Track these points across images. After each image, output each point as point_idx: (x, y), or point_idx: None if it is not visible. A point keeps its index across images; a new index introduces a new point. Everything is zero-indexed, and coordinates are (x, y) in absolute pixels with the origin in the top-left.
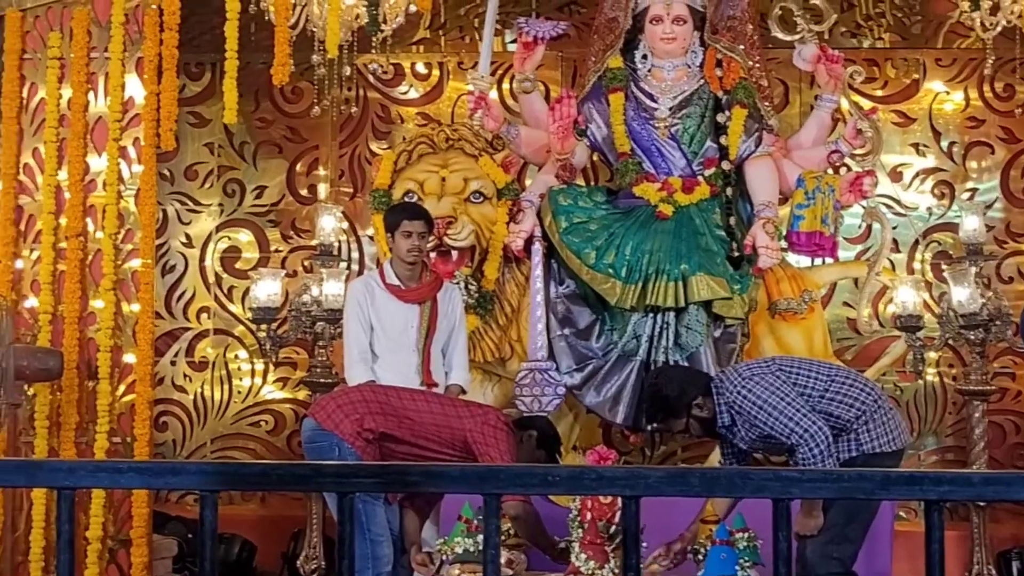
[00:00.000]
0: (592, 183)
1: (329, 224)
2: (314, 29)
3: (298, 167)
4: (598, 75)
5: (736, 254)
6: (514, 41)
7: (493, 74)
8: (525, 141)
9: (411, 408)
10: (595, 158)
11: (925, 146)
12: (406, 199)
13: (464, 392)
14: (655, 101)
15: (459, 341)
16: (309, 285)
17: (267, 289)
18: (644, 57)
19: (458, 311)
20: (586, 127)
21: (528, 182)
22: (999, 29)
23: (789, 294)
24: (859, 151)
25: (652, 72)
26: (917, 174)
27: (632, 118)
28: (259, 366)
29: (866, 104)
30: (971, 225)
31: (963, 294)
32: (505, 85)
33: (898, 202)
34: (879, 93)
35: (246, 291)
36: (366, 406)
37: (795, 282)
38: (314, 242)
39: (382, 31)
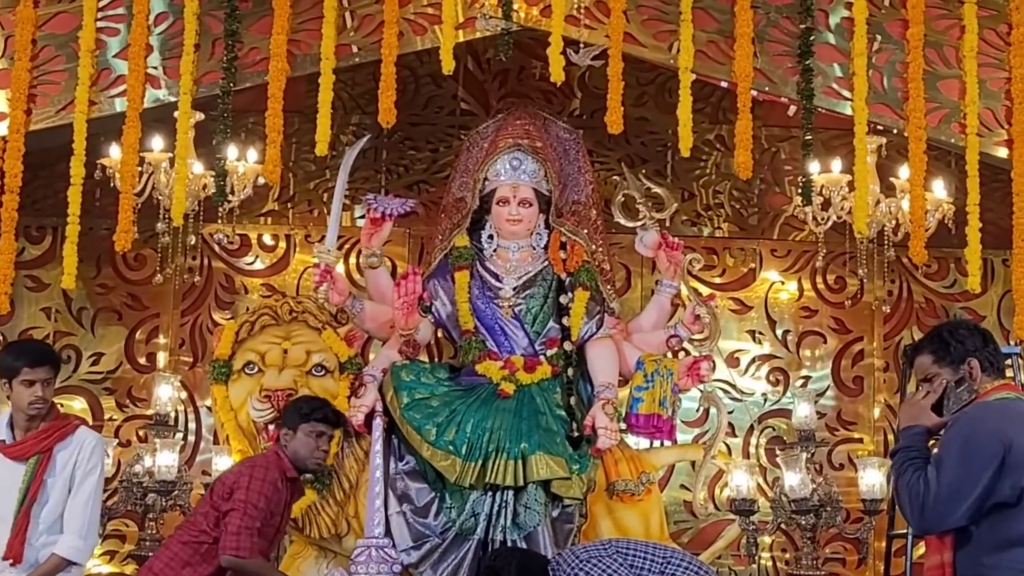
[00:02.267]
0: (435, 360)
1: (166, 393)
2: (160, 197)
3: (138, 335)
4: (444, 253)
5: (576, 434)
6: (362, 216)
7: (340, 248)
8: (369, 315)
9: None
10: (439, 335)
11: (761, 333)
12: (246, 371)
13: (70, 565)
14: (500, 281)
15: (77, 500)
16: (142, 455)
17: None
18: (490, 237)
19: (87, 464)
20: (431, 304)
21: (371, 356)
22: (830, 224)
23: (627, 475)
24: (697, 336)
25: (497, 252)
26: (753, 360)
27: (477, 296)
28: None
29: (705, 291)
30: (803, 412)
31: (795, 479)
32: (352, 259)
33: (734, 387)
34: (717, 280)
35: None
36: None
37: (633, 464)
38: (150, 411)
39: (229, 201)
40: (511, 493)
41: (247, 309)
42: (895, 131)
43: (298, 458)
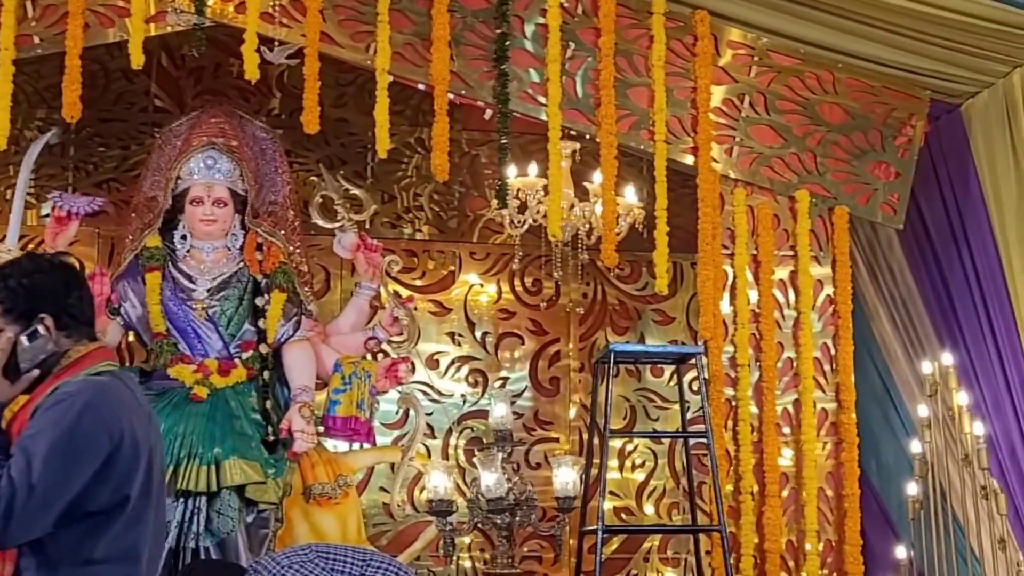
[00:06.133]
0: (126, 363)
1: None
2: None
3: None
4: (135, 253)
5: (272, 438)
6: (47, 215)
7: (22, 248)
8: None
9: None
10: (130, 338)
11: (460, 335)
12: None
13: None
14: (193, 282)
15: None
16: None
17: None
18: (183, 237)
19: None
20: (119, 306)
21: None
22: (526, 227)
23: (324, 479)
24: (396, 338)
25: (191, 253)
26: (452, 362)
27: (169, 298)
28: None
29: (404, 293)
30: (499, 412)
31: (491, 479)
32: None
33: (433, 389)
34: (417, 283)
35: None
36: None
37: (330, 467)
38: None
39: None
40: (204, 499)
41: None
42: (588, 136)
43: None
